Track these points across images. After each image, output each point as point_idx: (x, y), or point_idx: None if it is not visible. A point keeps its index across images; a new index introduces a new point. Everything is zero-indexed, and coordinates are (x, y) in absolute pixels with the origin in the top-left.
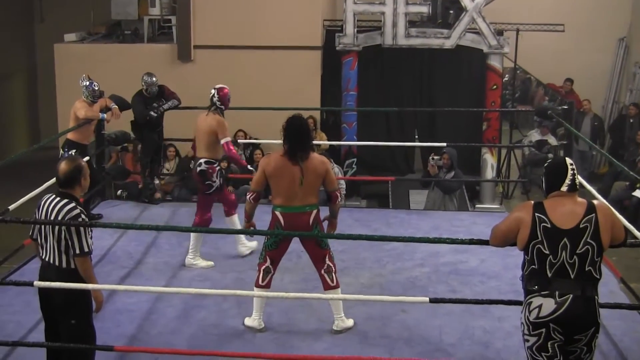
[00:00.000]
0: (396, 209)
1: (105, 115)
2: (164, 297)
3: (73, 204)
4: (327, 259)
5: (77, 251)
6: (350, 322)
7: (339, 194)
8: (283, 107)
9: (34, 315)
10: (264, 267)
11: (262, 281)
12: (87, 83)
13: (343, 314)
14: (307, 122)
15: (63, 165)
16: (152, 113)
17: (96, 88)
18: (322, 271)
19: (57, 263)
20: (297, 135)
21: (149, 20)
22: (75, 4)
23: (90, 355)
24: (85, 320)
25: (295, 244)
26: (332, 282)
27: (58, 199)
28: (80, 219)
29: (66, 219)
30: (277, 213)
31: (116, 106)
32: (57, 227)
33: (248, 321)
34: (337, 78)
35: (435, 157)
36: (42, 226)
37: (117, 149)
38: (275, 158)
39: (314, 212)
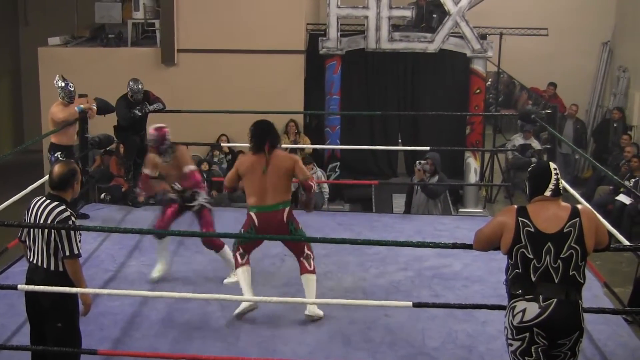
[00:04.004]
0: (379, 213)
1: (82, 106)
2: (147, 301)
3: (63, 207)
4: (306, 249)
5: (67, 253)
6: (321, 312)
7: (312, 183)
8: (266, 111)
9: (17, 318)
10: (239, 252)
11: (242, 260)
12: (63, 84)
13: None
14: (271, 123)
15: (57, 168)
16: (136, 112)
17: (72, 89)
18: (302, 258)
19: (45, 265)
20: (260, 131)
21: (133, 24)
22: (59, 8)
23: (75, 358)
24: (71, 323)
25: (279, 248)
26: (310, 267)
27: (48, 201)
28: (70, 222)
29: (56, 221)
30: (252, 214)
31: (94, 107)
32: (46, 229)
33: (242, 305)
34: (321, 82)
35: (422, 162)
36: (31, 228)
37: (100, 153)
38: (248, 156)
39: (287, 209)
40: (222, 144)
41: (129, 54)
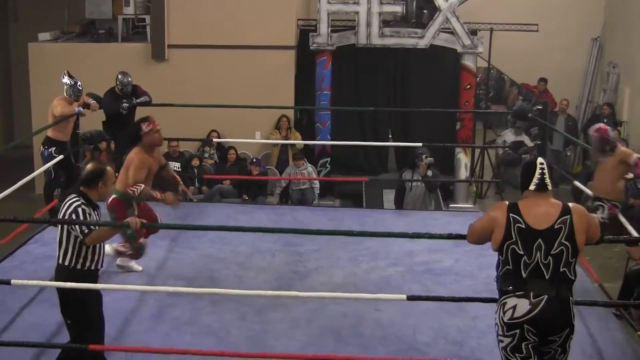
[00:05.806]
0: (370, 209)
1: (81, 109)
2: (138, 296)
3: (79, 199)
4: None
5: (80, 237)
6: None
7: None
8: (257, 105)
9: (7, 315)
10: None
11: None
12: (72, 82)
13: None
14: None
15: (88, 166)
16: (125, 104)
17: (80, 87)
18: None
19: (57, 259)
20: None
21: (123, 20)
22: (49, 3)
23: (82, 356)
24: (80, 322)
25: (269, 243)
26: None
27: (72, 195)
28: (79, 210)
29: (66, 209)
30: None
31: (94, 101)
32: (59, 225)
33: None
34: (311, 78)
35: (429, 158)
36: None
37: (90, 148)
38: None
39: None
40: (212, 140)
41: (120, 49)
